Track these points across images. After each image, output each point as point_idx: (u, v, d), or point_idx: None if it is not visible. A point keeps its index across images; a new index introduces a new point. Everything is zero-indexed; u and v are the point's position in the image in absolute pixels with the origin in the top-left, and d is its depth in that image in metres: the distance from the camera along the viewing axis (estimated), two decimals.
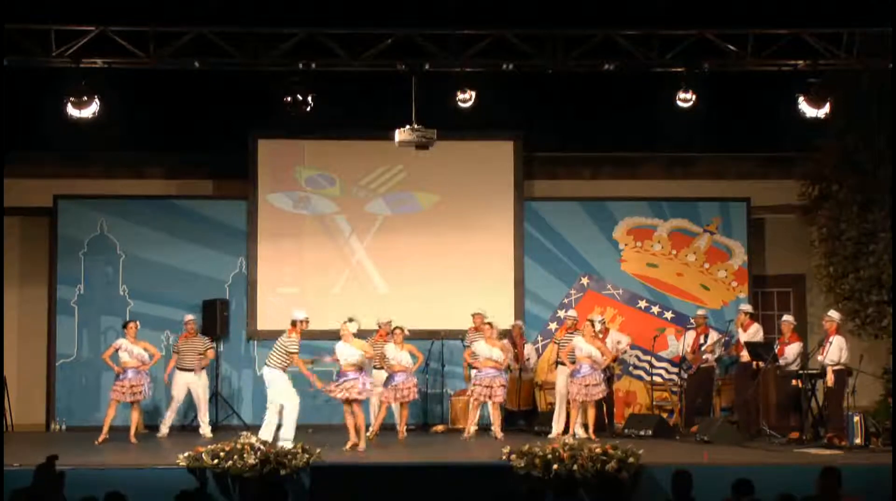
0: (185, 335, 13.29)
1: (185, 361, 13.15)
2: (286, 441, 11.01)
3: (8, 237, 14.15)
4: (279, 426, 11.56)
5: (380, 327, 13.13)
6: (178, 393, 13.15)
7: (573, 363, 12.56)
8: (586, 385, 12.33)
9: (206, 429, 13.10)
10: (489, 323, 12.92)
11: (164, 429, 13.06)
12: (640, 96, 13.12)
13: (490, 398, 12.55)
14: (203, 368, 13.23)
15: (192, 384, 13.13)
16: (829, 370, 11.85)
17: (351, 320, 11.73)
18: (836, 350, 11.84)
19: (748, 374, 12.68)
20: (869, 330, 13.56)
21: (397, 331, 12.67)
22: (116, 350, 12.51)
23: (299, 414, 11.28)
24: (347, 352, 11.47)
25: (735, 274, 14.88)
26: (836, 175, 13.88)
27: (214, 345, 13.68)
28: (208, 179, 15.09)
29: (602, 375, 12.53)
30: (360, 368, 11.51)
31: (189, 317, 13.39)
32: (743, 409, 12.79)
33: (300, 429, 11.85)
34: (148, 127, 13.94)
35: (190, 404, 13.39)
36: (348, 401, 11.46)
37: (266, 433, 11.32)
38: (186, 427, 13.61)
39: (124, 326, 12.81)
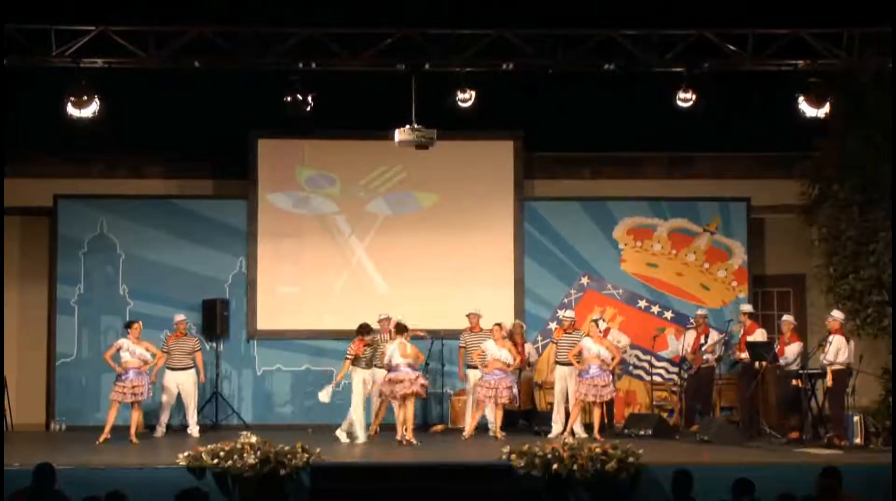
0: (176, 335, 13.24)
1: (174, 361, 13.11)
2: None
3: (8, 237, 14.12)
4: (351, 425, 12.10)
5: (380, 321, 13.12)
6: (170, 393, 13.11)
7: (580, 363, 12.56)
8: (595, 386, 12.34)
9: (193, 429, 13.05)
10: (499, 324, 12.89)
11: (160, 430, 13.02)
12: (640, 96, 13.11)
13: (494, 399, 12.52)
14: (191, 368, 13.18)
15: (181, 384, 13.07)
16: (829, 369, 11.86)
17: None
18: (834, 350, 11.84)
19: (749, 374, 12.68)
20: (869, 330, 13.55)
21: None
22: (118, 350, 12.48)
23: (299, 415, 11.32)
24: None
25: (735, 274, 14.86)
26: (836, 175, 13.88)
27: (202, 347, 13.56)
28: (208, 179, 15.05)
29: (610, 375, 12.55)
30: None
31: (180, 317, 13.34)
32: (743, 409, 12.80)
33: (300, 429, 11.82)
34: (148, 127, 13.91)
35: (181, 403, 13.34)
36: None
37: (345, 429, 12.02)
38: (181, 428, 13.57)
39: (127, 326, 12.76)
